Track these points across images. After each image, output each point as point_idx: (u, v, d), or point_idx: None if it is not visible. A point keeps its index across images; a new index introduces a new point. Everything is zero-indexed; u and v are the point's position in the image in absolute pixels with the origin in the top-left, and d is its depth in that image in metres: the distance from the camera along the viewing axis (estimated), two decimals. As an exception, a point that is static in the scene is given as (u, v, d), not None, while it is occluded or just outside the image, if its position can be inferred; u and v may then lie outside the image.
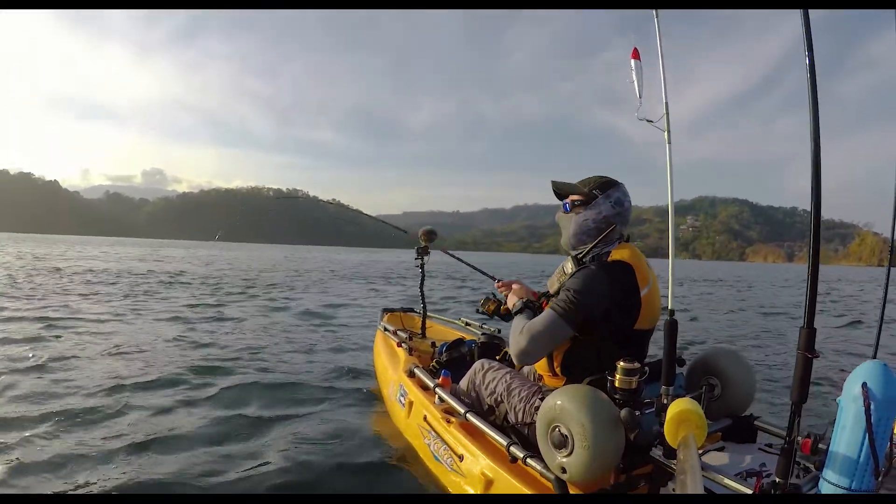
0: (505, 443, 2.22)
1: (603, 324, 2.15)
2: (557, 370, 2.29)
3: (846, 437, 1.46)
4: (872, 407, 1.41)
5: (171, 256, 36.90)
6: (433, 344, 3.88)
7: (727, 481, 1.77)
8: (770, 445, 2.24)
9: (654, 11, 2.07)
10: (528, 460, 2.08)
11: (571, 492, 1.92)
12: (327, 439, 3.47)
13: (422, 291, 4.47)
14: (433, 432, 2.79)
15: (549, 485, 1.96)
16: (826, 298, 19.09)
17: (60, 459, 3.09)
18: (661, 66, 2.01)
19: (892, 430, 1.44)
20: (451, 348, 3.58)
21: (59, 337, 6.56)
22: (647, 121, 2.07)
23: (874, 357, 1.57)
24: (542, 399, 2.20)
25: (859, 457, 1.44)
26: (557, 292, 2.25)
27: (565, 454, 1.87)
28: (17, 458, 3.07)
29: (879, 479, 1.43)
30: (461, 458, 2.49)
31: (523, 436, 2.33)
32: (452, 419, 2.66)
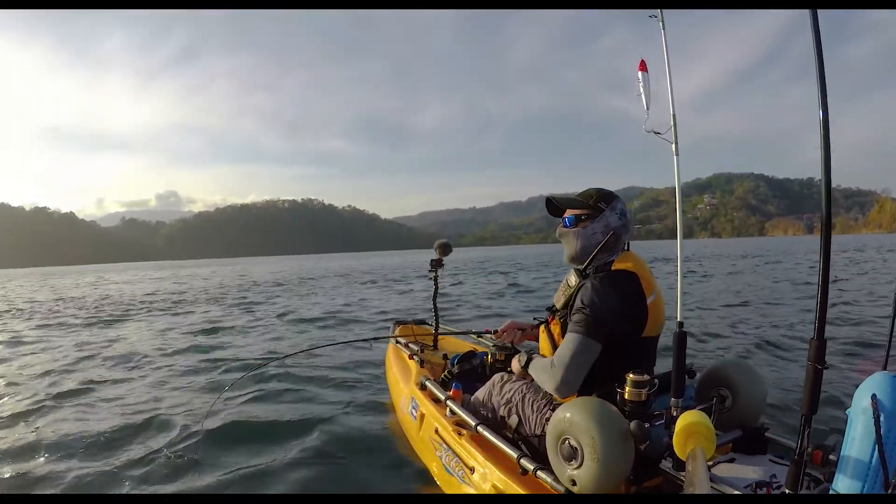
0: (515, 455, 2.22)
1: (614, 335, 2.15)
2: None
3: (856, 449, 1.46)
4: (882, 418, 1.41)
5: (196, 275, 36.76)
6: (445, 356, 3.89)
7: (737, 493, 1.76)
8: (781, 457, 2.23)
9: (658, 12, 2.08)
10: (539, 473, 2.08)
11: (581, 504, 1.92)
12: (338, 451, 3.49)
13: (434, 304, 4.47)
14: (444, 445, 2.80)
15: (560, 497, 1.96)
16: (856, 268, 19.19)
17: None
18: (667, 73, 2.02)
19: None
20: (462, 360, 3.57)
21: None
22: (655, 133, 2.08)
23: (884, 369, 1.56)
24: (553, 410, 2.20)
25: (869, 468, 1.43)
26: (564, 306, 2.26)
27: (575, 466, 1.88)
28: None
29: (889, 490, 1.42)
30: (472, 470, 2.50)
31: (534, 447, 2.34)
32: (464, 432, 2.67)
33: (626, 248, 2.35)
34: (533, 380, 2.78)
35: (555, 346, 2.29)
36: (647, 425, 1.83)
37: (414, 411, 3.33)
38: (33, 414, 4.47)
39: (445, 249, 4.21)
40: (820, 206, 1.51)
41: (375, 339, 4.73)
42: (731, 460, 2.21)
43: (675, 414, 1.83)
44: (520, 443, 2.41)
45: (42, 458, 3.49)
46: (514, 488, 2.20)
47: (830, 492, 1.53)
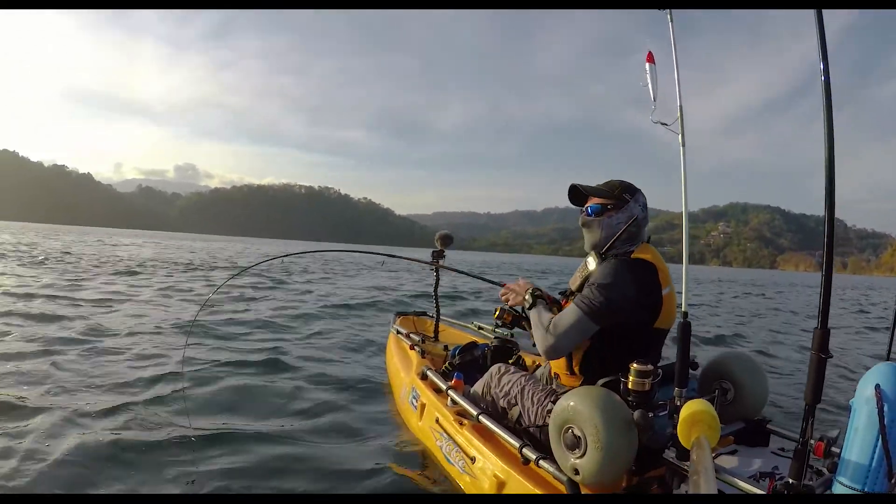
0: (517, 445, 2.23)
1: (626, 322, 2.17)
2: (576, 369, 2.30)
3: (859, 440, 1.47)
4: (886, 409, 1.41)
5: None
6: (446, 347, 3.90)
7: (740, 483, 1.77)
8: (783, 449, 2.24)
9: (668, 12, 2.09)
10: (541, 462, 2.09)
11: (584, 493, 1.93)
12: (338, 441, 3.49)
13: (436, 295, 4.48)
14: (445, 434, 2.81)
15: (562, 487, 1.97)
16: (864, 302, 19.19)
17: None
18: (675, 68, 2.01)
19: None
20: (463, 351, 3.59)
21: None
22: (662, 123, 2.08)
23: (888, 359, 1.57)
24: (554, 402, 2.21)
25: (872, 459, 1.44)
26: (580, 288, 2.27)
27: (578, 455, 1.88)
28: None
29: (893, 481, 1.43)
30: (473, 459, 2.50)
31: (536, 438, 2.34)
32: (465, 421, 2.68)
33: (648, 239, 2.38)
34: (531, 372, 2.80)
35: None
36: (650, 415, 1.84)
37: (414, 401, 3.34)
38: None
39: (446, 241, 4.22)
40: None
41: (391, 255, 4.67)
42: (734, 452, 2.23)
43: (678, 404, 1.83)
44: (521, 433, 2.42)
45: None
46: (516, 478, 2.21)
47: (833, 482, 1.53)
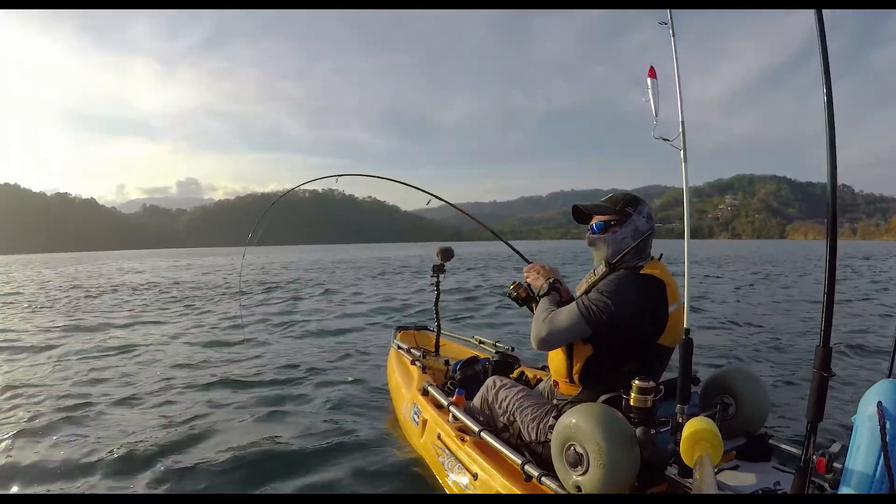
0: (519, 461, 2.23)
1: (627, 334, 2.17)
2: (575, 378, 2.29)
3: (861, 456, 1.47)
4: (888, 426, 1.42)
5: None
6: (447, 362, 3.89)
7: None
8: (784, 464, 2.23)
9: (669, 19, 2.09)
10: (543, 479, 2.09)
11: (586, 510, 1.93)
12: (338, 457, 3.48)
13: (436, 309, 4.47)
14: (447, 451, 2.80)
15: (565, 504, 1.97)
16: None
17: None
18: (676, 76, 2.01)
19: None
20: (464, 366, 3.58)
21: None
22: (664, 139, 2.08)
23: (889, 376, 1.58)
24: (556, 418, 2.21)
25: (874, 475, 1.44)
26: (585, 293, 2.28)
27: (580, 472, 1.88)
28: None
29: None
30: (475, 476, 2.49)
31: (538, 454, 2.34)
32: (467, 437, 2.67)
33: (659, 257, 2.38)
34: (533, 386, 2.81)
35: None
36: (652, 432, 1.84)
37: (416, 417, 3.33)
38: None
39: (447, 255, 4.21)
40: (826, 218, 1.52)
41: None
42: (735, 467, 2.22)
43: (680, 420, 1.84)
44: (523, 449, 2.42)
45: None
46: (518, 494, 2.21)
47: (836, 499, 1.53)
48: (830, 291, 1.49)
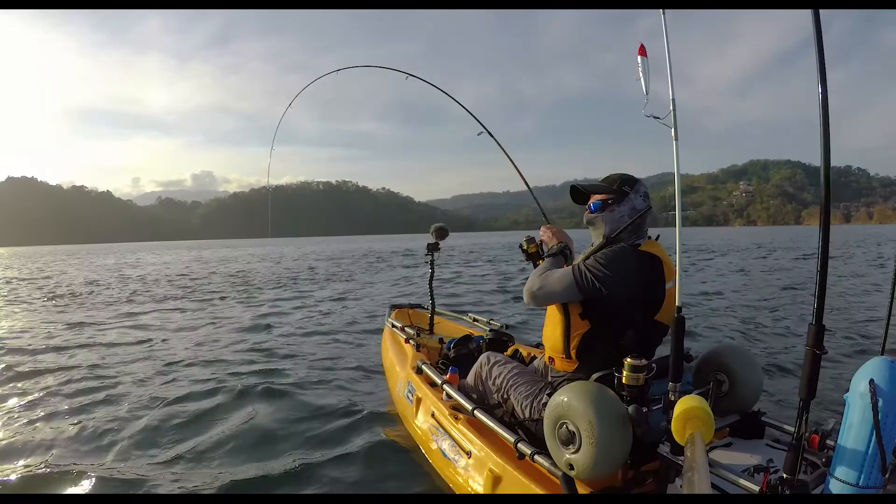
0: (512, 439, 2.23)
1: (623, 309, 2.18)
2: (572, 353, 2.29)
3: (853, 434, 1.46)
4: (880, 403, 1.41)
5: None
6: (441, 340, 3.89)
7: (734, 478, 1.77)
8: (778, 441, 2.24)
9: (660, 11, 2.06)
10: (536, 457, 2.09)
11: (579, 488, 1.93)
12: (333, 436, 3.50)
13: (431, 287, 4.47)
14: (441, 429, 2.81)
15: (557, 481, 1.97)
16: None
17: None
18: (668, 64, 1.99)
19: None
20: (458, 345, 3.58)
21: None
22: (654, 117, 2.05)
23: (882, 353, 1.57)
24: (549, 395, 2.21)
25: (867, 453, 1.44)
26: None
27: (573, 451, 1.88)
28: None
29: (887, 475, 1.43)
30: (469, 454, 2.50)
31: (531, 432, 2.34)
32: (460, 416, 2.68)
33: (656, 238, 2.38)
34: (527, 363, 2.81)
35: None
36: (645, 410, 1.83)
37: (410, 395, 3.33)
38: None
39: (442, 233, 4.20)
40: (820, 195, 1.50)
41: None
42: (729, 445, 2.22)
43: (672, 399, 1.83)
44: (516, 427, 2.42)
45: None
46: (511, 472, 2.21)
47: (828, 476, 1.53)
48: (823, 269, 1.48)
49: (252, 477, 2.98)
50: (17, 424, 3.85)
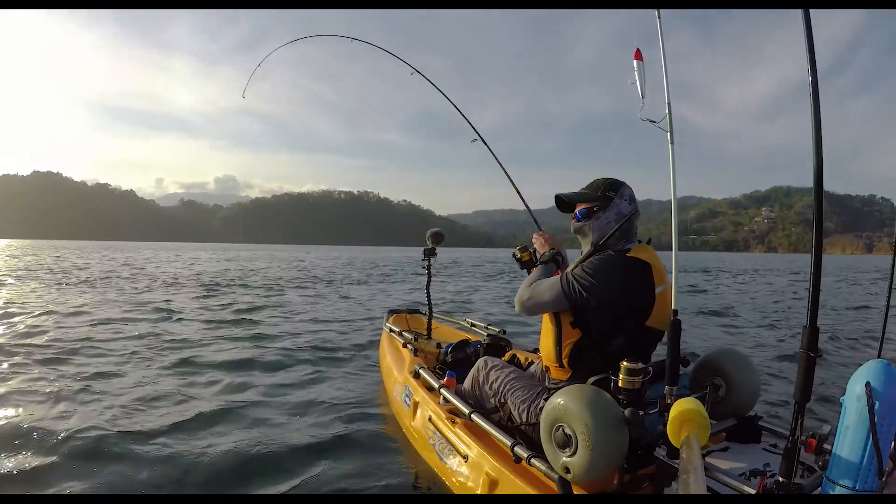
0: (509, 443, 2.22)
1: (612, 316, 2.18)
2: (564, 362, 2.29)
3: (850, 437, 1.46)
4: (876, 406, 1.41)
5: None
6: (438, 345, 3.89)
7: (731, 481, 1.76)
8: (774, 446, 2.23)
9: (655, 12, 2.08)
10: (533, 460, 2.08)
11: (575, 492, 1.92)
12: (331, 439, 3.48)
13: (428, 292, 4.47)
14: (438, 433, 2.80)
15: (554, 485, 1.96)
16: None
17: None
18: (663, 67, 2.01)
19: None
20: (456, 349, 3.58)
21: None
22: (650, 121, 2.06)
23: (878, 356, 1.56)
24: (546, 399, 2.20)
25: (863, 456, 1.44)
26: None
27: (569, 454, 1.87)
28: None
29: (883, 478, 1.43)
30: (466, 458, 2.50)
31: (528, 436, 2.34)
32: (457, 419, 2.68)
33: (647, 242, 2.38)
34: (524, 368, 2.81)
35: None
36: (641, 413, 1.83)
37: (407, 399, 3.33)
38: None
39: (438, 238, 4.21)
40: (814, 202, 1.51)
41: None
42: (725, 449, 2.22)
43: (669, 402, 1.83)
44: (513, 431, 2.42)
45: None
46: (508, 476, 2.20)
47: (824, 480, 1.53)
48: (817, 273, 1.49)
49: (249, 478, 2.97)
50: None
